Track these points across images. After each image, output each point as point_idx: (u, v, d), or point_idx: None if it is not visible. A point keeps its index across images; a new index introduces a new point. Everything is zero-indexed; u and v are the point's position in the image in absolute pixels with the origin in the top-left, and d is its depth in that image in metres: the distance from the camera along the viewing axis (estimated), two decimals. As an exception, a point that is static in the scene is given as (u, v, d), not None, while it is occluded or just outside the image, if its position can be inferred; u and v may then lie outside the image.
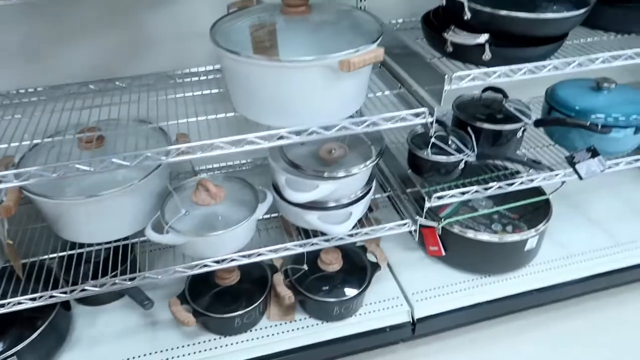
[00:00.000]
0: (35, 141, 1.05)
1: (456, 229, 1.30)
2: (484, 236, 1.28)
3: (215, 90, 1.17)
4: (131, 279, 1.06)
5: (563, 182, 1.26)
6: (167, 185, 1.11)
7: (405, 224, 1.16)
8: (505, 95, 1.23)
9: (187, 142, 0.98)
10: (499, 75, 0.97)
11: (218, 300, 1.21)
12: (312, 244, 1.12)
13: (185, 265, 1.06)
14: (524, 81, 0.98)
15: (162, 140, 1.12)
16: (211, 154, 0.90)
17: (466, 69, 1.00)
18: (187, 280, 1.22)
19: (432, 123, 0.98)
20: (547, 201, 1.38)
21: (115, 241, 1.16)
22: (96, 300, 1.28)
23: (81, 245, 1.18)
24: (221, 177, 1.15)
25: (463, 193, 1.13)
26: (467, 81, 0.95)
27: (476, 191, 1.13)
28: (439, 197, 1.12)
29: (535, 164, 1.09)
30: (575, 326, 1.39)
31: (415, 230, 1.17)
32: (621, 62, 1.02)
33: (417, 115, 0.97)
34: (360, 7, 1.23)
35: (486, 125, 1.21)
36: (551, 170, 1.15)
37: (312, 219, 1.09)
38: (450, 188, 1.16)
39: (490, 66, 0.97)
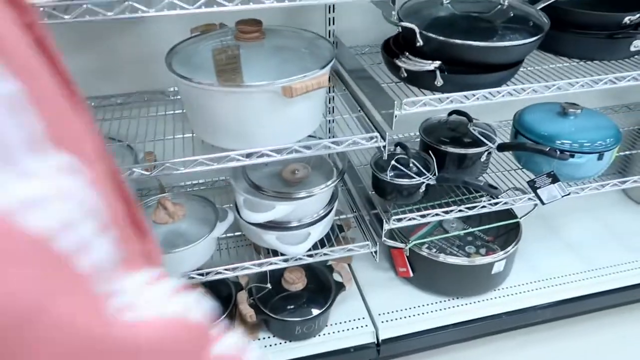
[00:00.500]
0: None
1: (424, 252, 1.30)
2: (451, 259, 1.28)
3: (179, 111, 1.19)
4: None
5: (535, 206, 1.26)
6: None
7: (365, 245, 1.16)
8: (470, 119, 1.24)
9: (152, 161, 1.01)
10: (452, 101, 0.97)
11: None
12: (271, 264, 1.13)
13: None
14: (494, 105, 0.98)
15: (128, 157, 1.14)
16: (165, 173, 0.92)
17: (421, 94, 1.02)
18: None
19: (384, 147, 0.99)
20: (518, 224, 1.37)
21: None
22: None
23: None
24: (184, 196, 1.17)
25: (423, 216, 1.13)
26: (418, 106, 0.96)
27: (436, 214, 1.13)
28: (398, 220, 1.12)
29: (491, 190, 1.08)
30: (546, 351, 1.38)
31: (375, 252, 1.17)
32: (578, 89, 1.02)
33: (370, 139, 0.98)
34: (329, 32, 1.24)
35: (449, 149, 1.22)
36: (510, 195, 1.15)
37: (270, 238, 1.10)
38: (411, 211, 1.17)
39: (444, 92, 0.98)
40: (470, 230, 1.38)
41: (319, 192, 1.09)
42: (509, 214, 1.39)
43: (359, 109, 1.11)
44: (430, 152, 1.21)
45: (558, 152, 1.08)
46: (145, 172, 0.92)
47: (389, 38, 1.12)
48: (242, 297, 1.24)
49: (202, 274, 1.10)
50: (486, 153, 1.23)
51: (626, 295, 1.42)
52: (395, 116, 0.95)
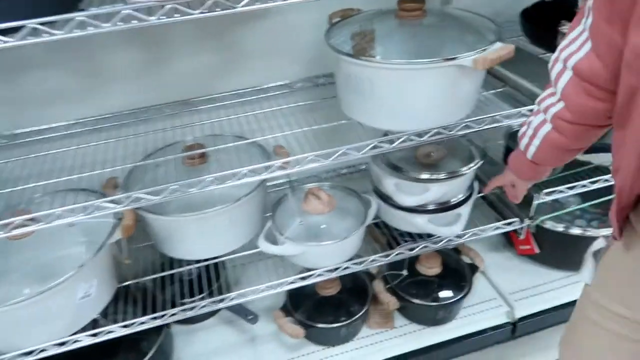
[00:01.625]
0: (140, 163, 1.06)
1: (549, 225, 1.28)
2: (578, 230, 1.26)
3: (308, 102, 1.17)
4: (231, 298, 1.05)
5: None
6: (288, 195, 1.11)
7: (511, 223, 1.14)
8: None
9: (284, 154, 0.98)
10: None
11: (320, 310, 1.20)
12: (423, 247, 1.11)
13: (278, 282, 1.05)
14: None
15: (260, 155, 1.11)
16: (309, 166, 0.89)
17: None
18: (287, 291, 1.21)
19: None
20: None
21: (206, 260, 1.15)
22: (193, 319, 1.27)
23: (176, 265, 1.18)
24: (327, 186, 1.15)
25: (570, 188, 1.11)
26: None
27: (583, 185, 1.12)
28: (548, 193, 1.11)
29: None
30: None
31: (522, 229, 1.15)
32: None
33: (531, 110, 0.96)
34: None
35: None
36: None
37: (422, 222, 1.08)
38: (552, 185, 1.15)
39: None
40: (584, 205, 1.37)
41: (468, 172, 1.07)
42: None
43: (502, 84, 1.09)
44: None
45: None
46: (281, 170, 0.88)
47: (526, 8, 1.10)
48: (379, 285, 1.22)
49: (356, 264, 1.07)
50: None
51: None
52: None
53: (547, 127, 0.74)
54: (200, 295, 1.15)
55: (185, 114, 1.17)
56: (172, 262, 1.18)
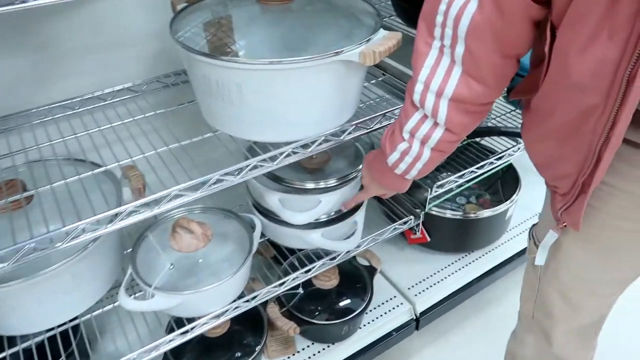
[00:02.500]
0: None
1: (435, 212, 1.25)
2: (460, 214, 1.25)
3: (160, 109, 0.93)
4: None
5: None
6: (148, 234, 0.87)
7: (407, 221, 1.06)
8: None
9: (137, 178, 0.76)
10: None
11: (209, 356, 1.01)
12: (321, 265, 0.97)
13: (153, 344, 0.84)
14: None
15: (105, 184, 0.86)
16: (171, 204, 0.70)
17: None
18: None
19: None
20: (510, 166, 1.39)
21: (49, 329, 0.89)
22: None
23: (13, 340, 0.89)
24: (198, 211, 0.94)
25: (460, 176, 1.06)
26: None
27: (472, 172, 1.07)
28: (439, 186, 1.04)
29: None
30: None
31: (417, 225, 1.08)
32: None
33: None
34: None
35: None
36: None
37: (315, 238, 0.94)
38: (440, 174, 1.09)
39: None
40: (469, 184, 1.36)
41: (359, 174, 0.95)
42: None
43: (382, 72, 0.98)
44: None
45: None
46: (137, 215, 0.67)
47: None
48: (274, 310, 1.06)
49: (247, 301, 0.90)
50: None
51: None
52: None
53: (428, 152, 0.70)
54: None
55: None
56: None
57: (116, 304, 0.92)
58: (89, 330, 0.96)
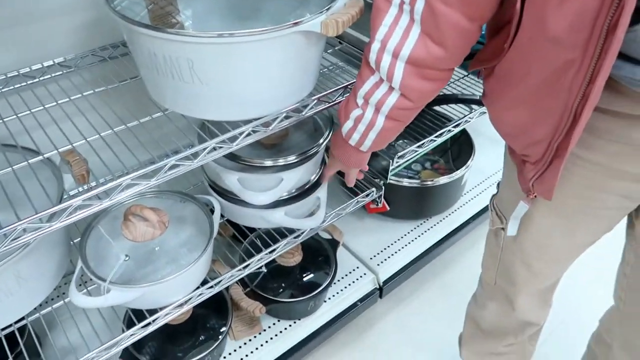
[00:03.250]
0: None
1: (393, 181, 1.24)
2: (417, 182, 1.25)
3: (99, 87, 0.85)
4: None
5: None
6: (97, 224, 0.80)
7: (369, 194, 1.05)
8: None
9: (79, 164, 0.70)
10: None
11: (173, 343, 0.97)
12: (285, 245, 0.94)
13: (113, 341, 0.78)
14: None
15: (44, 171, 0.78)
16: (122, 195, 0.64)
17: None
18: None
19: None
20: (463, 131, 1.40)
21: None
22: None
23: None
24: (150, 195, 0.88)
25: (420, 146, 1.05)
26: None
27: (431, 140, 1.07)
28: (400, 157, 1.03)
29: (488, 101, 1.05)
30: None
31: (380, 197, 1.07)
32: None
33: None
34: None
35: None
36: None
37: (279, 217, 0.91)
38: (397, 142, 1.08)
39: None
40: (424, 151, 1.36)
41: (320, 148, 0.92)
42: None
43: (338, 41, 0.93)
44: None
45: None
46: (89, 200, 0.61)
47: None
48: (238, 291, 1.03)
49: (211, 287, 0.86)
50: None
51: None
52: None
53: (382, 119, 0.67)
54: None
55: None
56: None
57: (66, 299, 0.86)
58: (39, 329, 0.89)
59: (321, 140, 0.91)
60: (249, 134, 0.70)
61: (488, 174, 1.49)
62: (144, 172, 0.62)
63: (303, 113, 0.74)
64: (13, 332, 0.84)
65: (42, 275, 0.78)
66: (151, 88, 0.73)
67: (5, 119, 0.76)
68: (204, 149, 0.66)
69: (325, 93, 0.75)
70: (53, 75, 0.86)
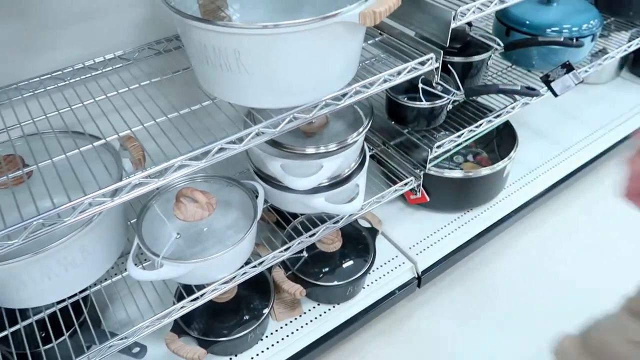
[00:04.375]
0: None
1: (433, 172, 1.25)
2: (459, 173, 1.25)
3: (155, 78, 0.91)
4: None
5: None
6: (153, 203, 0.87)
7: (408, 183, 1.07)
8: (470, 24, 1.16)
9: (136, 149, 0.77)
10: (496, 3, 0.88)
11: (219, 320, 1.03)
12: (325, 229, 0.98)
13: (165, 312, 0.85)
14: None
15: (104, 155, 0.85)
16: (175, 175, 0.69)
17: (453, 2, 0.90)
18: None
19: (437, 69, 0.87)
20: (506, 123, 1.38)
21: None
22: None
23: (25, 313, 0.91)
24: (200, 179, 0.94)
25: (459, 136, 1.06)
26: (468, 16, 0.85)
27: (470, 130, 1.07)
28: (439, 146, 1.04)
29: (530, 91, 1.05)
30: (546, 230, 1.48)
31: (418, 186, 1.09)
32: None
33: (422, 63, 0.86)
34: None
35: (456, 59, 1.14)
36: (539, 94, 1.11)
37: (319, 202, 0.94)
38: (437, 136, 1.09)
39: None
40: (466, 142, 1.36)
41: (360, 137, 0.95)
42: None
43: (379, 32, 0.96)
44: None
45: (575, 40, 1.07)
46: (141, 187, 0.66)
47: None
48: (280, 274, 1.08)
49: (254, 266, 0.91)
50: (489, 56, 1.18)
51: (594, 166, 1.55)
52: (451, 29, 0.83)
53: None
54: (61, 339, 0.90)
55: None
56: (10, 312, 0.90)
57: (124, 273, 0.94)
58: (100, 300, 0.98)
59: (360, 129, 0.94)
60: (290, 121, 0.74)
61: (531, 167, 1.47)
62: (194, 155, 0.67)
63: (342, 101, 0.77)
64: (78, 301, 0.93)
65: (103, 250, 0.85)
66: (201, 78, 0.79)
67: (73, 107, 0.84)
68: (249, 134, 0.71)
69: (363, 82, 0.79)
70: (114, 67, 0.93)
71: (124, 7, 0.93)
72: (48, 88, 0.88)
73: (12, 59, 0.86)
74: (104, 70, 0.93)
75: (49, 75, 0.89)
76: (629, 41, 1.33)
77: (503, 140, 1.38)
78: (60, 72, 0.90)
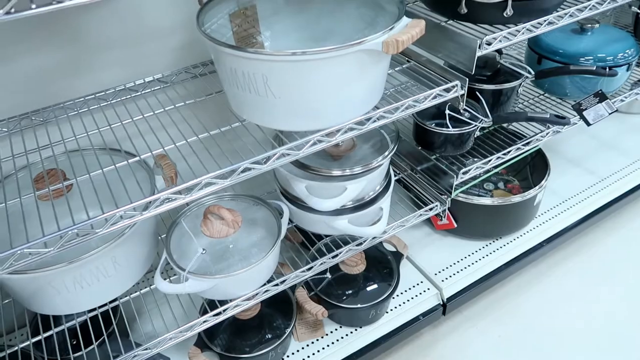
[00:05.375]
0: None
1: (462, 198, 1.24)
2: (488, 200, 1.24)
3: (188, 100, 0.96)
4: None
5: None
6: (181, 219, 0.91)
7: (433, 208, 1.07)
8: (500, 52, 1.17)
9: (169, 167, 0.80)
10: (523, 33, 0.89)
11: (242, 336, 1.05)
12: (347, 251, 0.99)
13: (189, 325, 0.87)
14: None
15: (139, 171, 0.90)
16: (202, 192, 0.72)
17: (480, 30, 0.92)
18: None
19: (462, 96, 0.88)
20: (539, 151, 1.37)
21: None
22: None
23: (58, 320, 0.95)
24: (227, 198, 0.97)
25: (486, 163, 1.06)
26: (497, 42, 0.86)
27: (498, 157, 1.07)
28: (465, 172, 1.04)
29: (560, 120, 1.04)
30: (579, 262, 1.43)
31: (444, 211, 1.08)
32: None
33: (447, 90, 0.87)
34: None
35: (485, 86, 1.14)
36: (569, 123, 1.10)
37: (342, 224, 0.96)
38: (464, 162, 1.09)
39: (509, 23, 0.89)
40: (496, 170, 1.35)
41: (385, 161, 0.96)
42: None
43: (406, 59, 0.98)
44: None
45: (607, 69, 1.06)
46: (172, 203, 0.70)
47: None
48: (303, 294, 1.09)
49: (276, 285, 0.93)
50: (520, 84, 1.18)
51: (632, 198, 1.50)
52: (476, 58, 0.85)
53: None
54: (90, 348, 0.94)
55: (28, 130, 0.91)
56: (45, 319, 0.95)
57: (152, 286, 0.97)
58: (128, 311, 1.01)
59: (386, 153, 0.96)
60: (314, 144, 0.76)
61: (564, 196, 1.44)
62: (220, 173, 0.70)
63: (365, 126, 0.79)
64: (108, 311, 0.97)
65: (134, 262, 0.89)
66: (232, 101, 0.83)
67: (112, 126, 0.90)
68: (274, 154, 0.73)
69: (387, 107, 0.80)
70: (152, 89, 0.99)
71: (165, 33, 0.99)
72: (91, 108, 0.94)
73: (60, 80, 0.93)
74: (143, 92, 0.98)
75: (92, 96, 0.95)
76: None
77: (536, 168, 1.36)
78: (103, 93, 0.96)
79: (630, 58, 1.14)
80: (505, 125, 1.31)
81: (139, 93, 0.98)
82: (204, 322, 0.87)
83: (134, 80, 0.99)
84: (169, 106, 0.95)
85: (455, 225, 1.28)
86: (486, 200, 1.23)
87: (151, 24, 0.98)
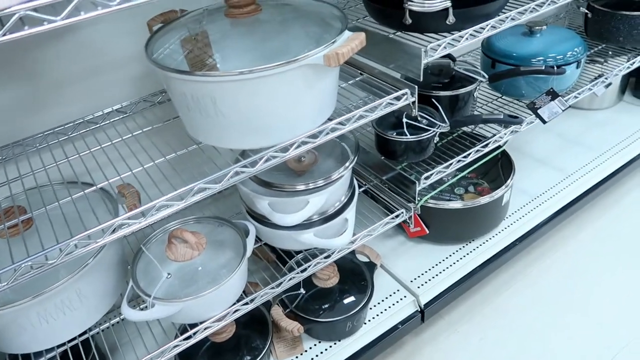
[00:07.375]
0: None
1: (432, 204, 1.26)
2: (457, 204, 1.26)
3: (147, 127, 0.97)
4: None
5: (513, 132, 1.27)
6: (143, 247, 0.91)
7: (399, 215, 1.08)
8: (453, 59, 1.20)
9: (132, 195, 0.81)
10: (467, 39, 0.91)
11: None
12: (316, 265, 0.99)
13: (159, 350, 0.86)
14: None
15: (102, 202, 0.90)
16: (157, 215, 0.73)
17: (426, 39, 0.94)
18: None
19: (414, 103, 0.90)
20: (504, 152, 1.39)
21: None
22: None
23: (27, 358, 0.94)
24: (192, 221, 0.98)
25: (447, 167, 1.08)
26: (441, 49, 0.88)
27: (459, 161, 1.09)
28: (427, 178, 1.06)
29: (513, 120, 1.07)
30: (552, 260, 1.45)
31: (410, 218, 1.10)
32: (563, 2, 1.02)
33: (398, 98, 0.89)
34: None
35: (442, 93, 1.17)
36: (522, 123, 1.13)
37: (308, 237, 0.96)
38: (426, 168, 1.11)
39: (452, 30, 0.92)
40: (463, 173, 1.37)
41: (346, 172, 0.98)
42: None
43: (359, 72, 1.00)
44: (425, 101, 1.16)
45: (555, 68, 1.09)
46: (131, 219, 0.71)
47: (369, -12, 1.02)
48: (278, 312, 1.09)
49: (246, 303, 0.93)
50: (476, 88, 1.21)
51: (600, 191, 1.53)
52: (423, 66, 0.87)
53: None
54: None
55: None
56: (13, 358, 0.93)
57: (122, 316, 0.96)
58: (109, 340, 1.00)
59: (347, 164, 0.97)
60: (267, 159, 0.77)
61: (533, 195, 1.46)
62: (174, 195, 0.71)
63: (318, 139, 0.81)
64: (77, 345, 0.95)
65: (101, 293, 0.88)
66: (187, 125, 0.84)
67: (70, 159, 0.90)
68: (226, 174, 0.74)
69: (339, 119, 0.82)
70: (111, 120, 1.00)
71: (123, 63, 1.01)
72: (50, 143, 0.95)
73: (20, 117, 0.94)
74: (102, 123, 0.99)
75: (51, 131, 0.96)
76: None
77: (503, 170, 1.38)
78: (62, 127, 0.97)
79: (578, 56, 1.18)
80: (470, 130, 1.34)
81: (99, 125, 0.99)
82: (175, 346, 0.87)
83: (93, 112, 1.00)
84: (127, 135, 0.95)
85: (427, 231, 1.29)
86: (456, 204, 1.25)
87: (109, 56, 0.99)
